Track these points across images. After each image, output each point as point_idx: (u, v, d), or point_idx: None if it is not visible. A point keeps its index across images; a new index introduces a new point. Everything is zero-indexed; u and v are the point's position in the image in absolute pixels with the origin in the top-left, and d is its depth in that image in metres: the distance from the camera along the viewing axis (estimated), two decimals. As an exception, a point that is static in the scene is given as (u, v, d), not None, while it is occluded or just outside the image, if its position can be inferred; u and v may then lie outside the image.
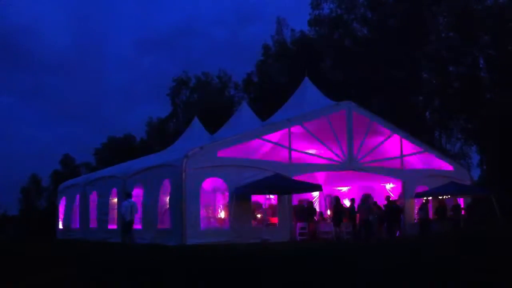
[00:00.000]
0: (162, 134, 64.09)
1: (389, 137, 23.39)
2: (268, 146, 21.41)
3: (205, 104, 58.14)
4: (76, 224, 26.14)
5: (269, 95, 47.23)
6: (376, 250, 13.82)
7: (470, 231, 20.42)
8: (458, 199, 24.25)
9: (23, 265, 12.42)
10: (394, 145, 23.74)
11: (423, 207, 22.59)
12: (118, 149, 67.59)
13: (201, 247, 15.50)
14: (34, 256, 15.02)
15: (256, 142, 20.71)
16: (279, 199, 20.53)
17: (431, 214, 23.28)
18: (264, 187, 18.75)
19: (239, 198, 18.81)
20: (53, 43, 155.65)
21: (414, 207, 23.51)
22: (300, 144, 21.62)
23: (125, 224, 18.04)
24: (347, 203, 23.67)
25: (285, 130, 20.89)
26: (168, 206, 19.15)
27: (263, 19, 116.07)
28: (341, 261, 10.78)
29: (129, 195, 18.80)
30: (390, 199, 22.44)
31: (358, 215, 21.36)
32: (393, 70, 41.22)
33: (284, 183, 19.56)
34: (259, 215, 21.30)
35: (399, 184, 23.78)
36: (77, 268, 11.23)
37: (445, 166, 25.28)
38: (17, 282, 9.38)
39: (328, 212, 23.80)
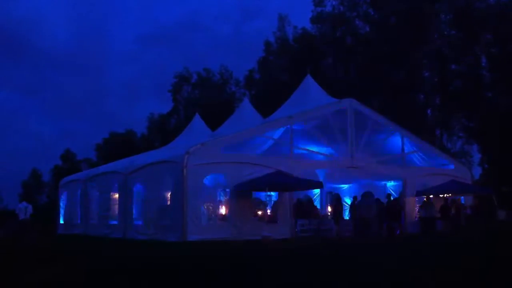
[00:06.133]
0: (163, 130, 64.16)
1: (390, 134, 23.37)
2: (269, 143, 21.40)
3: (206, 100, 58.19)
4: (77, 219, 26.18)
5: (270, 92, 47.20)
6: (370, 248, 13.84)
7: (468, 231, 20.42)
8: (458, 197, 24.24)
9: (24, 260, 12.44)
10: (395, 143, 23.73)
11: (426, 205, 22.46)
12: (119, 145, 67.71)
13: (202, 243, 15.53)
14: (35, 251, 15.04)
15: (257, 139, 20.70)
16: (280, 196, 20.55)
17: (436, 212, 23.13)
18: (265, 184, 18.72)
19: (240, 194, 18.83)
20: (55, 38, 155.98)
21: (415, 205, 23.49)
22: (302, 141, 21.62)
23: (20, 222, 20.77)
24: (348, 200, 23.66)
25: (287, 127, 20.89)
26: (169, 202, 19.17)
27: (266, 15, 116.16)
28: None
29: (25, 199, 21.77)
30: (391, 197, 22.41)
31: (357, 212, 21.32)
32: (394, 68, 41.21)
33: (285, 180, 19.55)
34: (260, 212, 21.32)
35: (400, 182, 23.77)
36: (78, 263, 11.25)
37: (446, 164, 25.27)
38: (18, 278, 9.39)
39: (329, 209, 23.79)
